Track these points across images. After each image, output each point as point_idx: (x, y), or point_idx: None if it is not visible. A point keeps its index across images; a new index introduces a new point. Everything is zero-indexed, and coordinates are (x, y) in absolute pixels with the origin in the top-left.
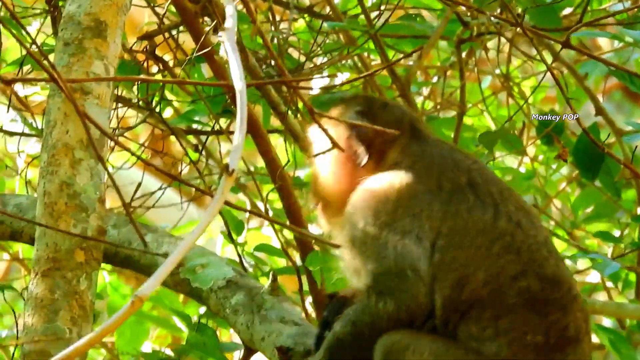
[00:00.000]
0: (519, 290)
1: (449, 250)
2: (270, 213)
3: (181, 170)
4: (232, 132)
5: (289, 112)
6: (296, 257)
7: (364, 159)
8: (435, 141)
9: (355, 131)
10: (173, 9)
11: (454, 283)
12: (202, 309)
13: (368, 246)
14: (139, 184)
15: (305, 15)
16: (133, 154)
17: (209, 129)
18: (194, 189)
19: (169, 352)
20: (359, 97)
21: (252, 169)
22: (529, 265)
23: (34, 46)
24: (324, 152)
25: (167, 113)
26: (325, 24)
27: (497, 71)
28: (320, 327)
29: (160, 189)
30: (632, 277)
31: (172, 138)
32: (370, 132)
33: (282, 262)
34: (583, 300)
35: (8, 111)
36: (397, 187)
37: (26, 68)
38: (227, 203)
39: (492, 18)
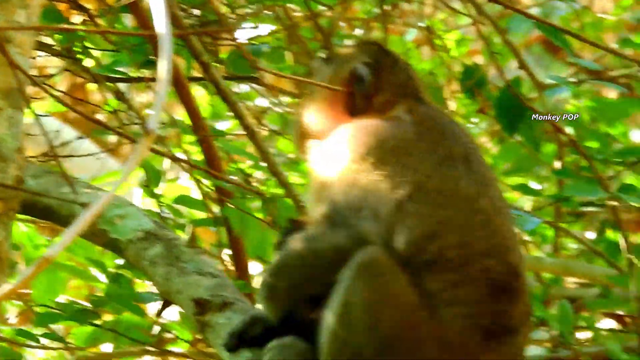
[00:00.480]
0: (484, 267)
1: (428, 204)
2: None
3: (101, 120)
4: (152, 80)
5: (211, 63)
6: (215, 209)
7: (354, 106)
8: (439, 111)
9: (359, 83)
10: None
11: (425, 233)
12: (120, 261)
13: (343, 179)
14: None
15: None
16: (59, 100)
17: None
18: (112, 141)
19: (85, 303)
20: (375, 45)
21: (171, 120)
22: (498, 248)
23: None
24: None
25: (88, 64)
26: None
27: (421, 24)
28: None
29: (80, 138)
30: (551, 232)
31: (92, 88)
32: (370, 86)
33: (200, 215)
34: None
35: None
36: (395, 135)
37: None
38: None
39: None
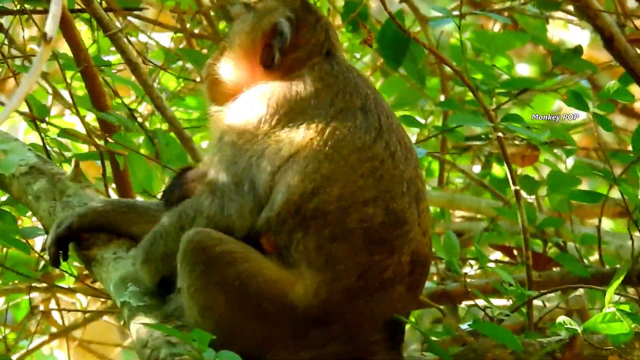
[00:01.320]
0: (362, 217)
1: (314, 161)
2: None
3: None
4: (39, 12)
5: None
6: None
7: (274, 63)
8: (346, 67)
9: (279, 38)
10: None
11: (306, 191)
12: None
13: (231, 147)
14: None
15: None
16: None
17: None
18: None
19: None
20: (299, 3)
21: (55, 53)
22: (382, 195)
23: None
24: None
25: None
26: None
27: None
28: (162, 197)
29: None
30: (436, 164)
31: None
32: (288, 42)
33: (85, 149)
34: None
35: None
36: (290, 97)
37: None
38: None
39: None
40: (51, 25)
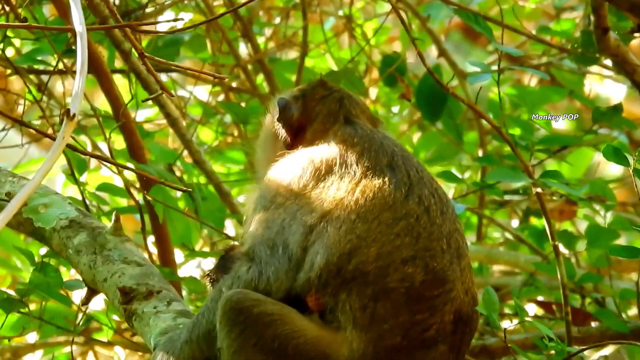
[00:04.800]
0: (403, 276)
1: (347, 221)
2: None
3: (23, 110)
4: (75, 72)
5: (132, 52)
6: (138, 197)
7: (284, 138)
8: (369, 129)
9: (280, 115)
10: None
11: (344, 252)
12: (44, 250)
13: (264, 215)
14: None
15: None
16: None
17: (51, 68)
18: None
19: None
20: (316, 82)
21: (95, 108)
22: (421, 253)
23: None
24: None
25: (9, 52)
26: None
27: (340, 12)
28: (207, 277)
29: (3, 129)
30: (474, 219)
31: (13, 78)
32: (295, 117)
33: (123, 203)
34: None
35: None
36: (314, 162)
37: None
38: (69, 146)
39: None
40: (75, 101)
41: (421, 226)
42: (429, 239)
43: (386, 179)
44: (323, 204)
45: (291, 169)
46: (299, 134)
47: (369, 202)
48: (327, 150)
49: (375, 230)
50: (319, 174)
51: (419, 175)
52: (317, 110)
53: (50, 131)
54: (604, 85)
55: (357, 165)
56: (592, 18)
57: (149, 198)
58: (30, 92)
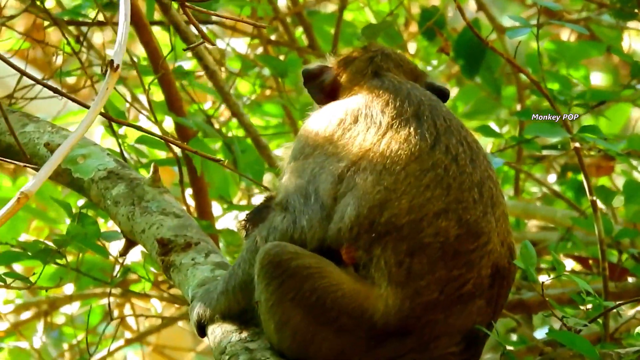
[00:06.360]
0: (437, 230)
1: (374, 172)
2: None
3: (62, 61)
4: (114, 24)
5: (171, 4)
6: (177, 149)
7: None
8: (398, 81)
9: (305, 82)
10: None
11: (374, 204)
12: (82, 201)
13: (295, 165)
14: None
15: None
16: (30, 35)
17: (90, 20)
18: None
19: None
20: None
21: (135, 60)
22: (453, 206)
23: None
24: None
25: (49, 4)
26: None
27: None
28: (243, 226)
29: (42, 80)
30: (511, 173)
31: (51, 29)
32: (327, 82)
33: (162, 155)
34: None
35: None
36: (338, 114)
37: None
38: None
39: None
40: (119, 53)
41: (450, 177)
42: (459, 189)
43: (411, 129)
44: (350, 154)
45: (318, 121)
46: (331, 95)
47: (394, 154)
48: (352, 102)
49: (403, 182)
50: (345, 124)
51: (447, 124)
52: (348, 71)
53: (88, 83)
54: None
55: (383, 115)
56: None
57: (187, 150)
58: (69, 43)
